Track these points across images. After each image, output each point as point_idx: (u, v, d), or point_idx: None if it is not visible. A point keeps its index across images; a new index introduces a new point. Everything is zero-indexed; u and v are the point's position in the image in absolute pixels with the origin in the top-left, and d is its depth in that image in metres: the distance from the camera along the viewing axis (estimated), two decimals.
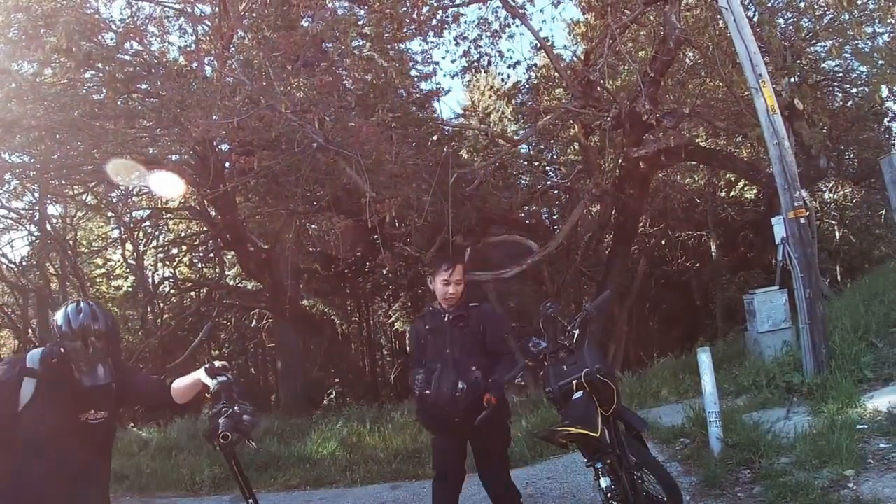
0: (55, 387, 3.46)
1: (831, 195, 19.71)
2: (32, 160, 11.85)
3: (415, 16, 11.00)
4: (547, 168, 20.39)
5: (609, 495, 4.46)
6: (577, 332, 5.00)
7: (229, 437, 3.69)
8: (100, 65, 10.26)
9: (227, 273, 21.57)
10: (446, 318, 5.32)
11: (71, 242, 19.90)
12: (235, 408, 3.75)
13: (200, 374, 3.88)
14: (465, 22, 13.53)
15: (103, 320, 3.57)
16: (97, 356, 3.49)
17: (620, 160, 13.22)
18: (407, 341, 5.48)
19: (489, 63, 13.73)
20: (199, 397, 4.08)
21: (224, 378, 3.81)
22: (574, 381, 4.62)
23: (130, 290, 22.29)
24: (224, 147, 12.90)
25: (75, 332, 3.48)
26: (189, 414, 12.41)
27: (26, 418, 3.39)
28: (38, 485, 3.40)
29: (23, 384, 3.43)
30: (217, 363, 3.93)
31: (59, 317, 3.55)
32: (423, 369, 5.30)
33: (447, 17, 12.14)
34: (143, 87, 10.79)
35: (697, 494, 5.92)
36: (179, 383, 3.97)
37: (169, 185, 13.35)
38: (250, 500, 4.07)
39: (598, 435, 4.39)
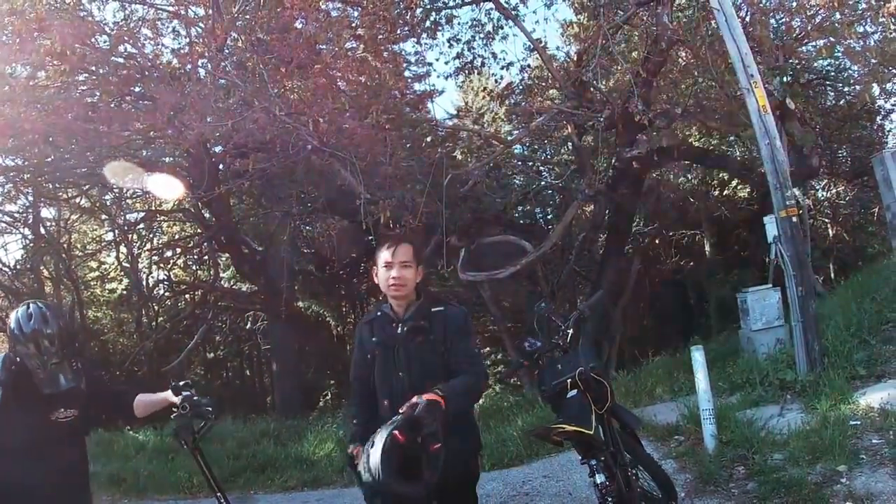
0: (20, 391, 3.47)
1: (824, 193, 19.77)
2: (26, 163, 11.89)
3: (408, 17, 11.03)
4: (540, 168, 20.44)
5: (604, 492, 4.50)
6: (570, 331, 5.03)
7: (187, 409, 3.87)
8: (93, 68, 10.26)
9: (221, 275, 21.56)
10: (399, 329, 3.98)
11: (65, 245, 19.86)
12: (195, 398, 3.94)
13: (167, 394, 3.98)
14: (459, 24, 13.56)
15: (55, 323, 3.55)
16: (51, 361, 3.48)
17: (614, 160, 13.26)
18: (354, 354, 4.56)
19: (482, 64, 13.80)
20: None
21: (187, 393, 3.92)
22: (568, 380, 4.66)
23: (125, 292, 22.28)
24: (218, 149, 12.91)
25: (27, 337, 3.47)
26: None
27: None
28: (21, 489, 3.41)
29: None
30: (181, 383, 4.03)
31: (11, 322, 3.54)
32: (361, 408, 4.13)
33: (440, 18, 12.19)
34: (137, 89, 10.79)
35: (692, 491, 5.97)
36: (143, 398, 4.05)
37: (166, 187, 13.37)
38: (219, 494, 4.16)
39: (592, 433, 4.43)
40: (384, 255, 3.99)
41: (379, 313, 4.11)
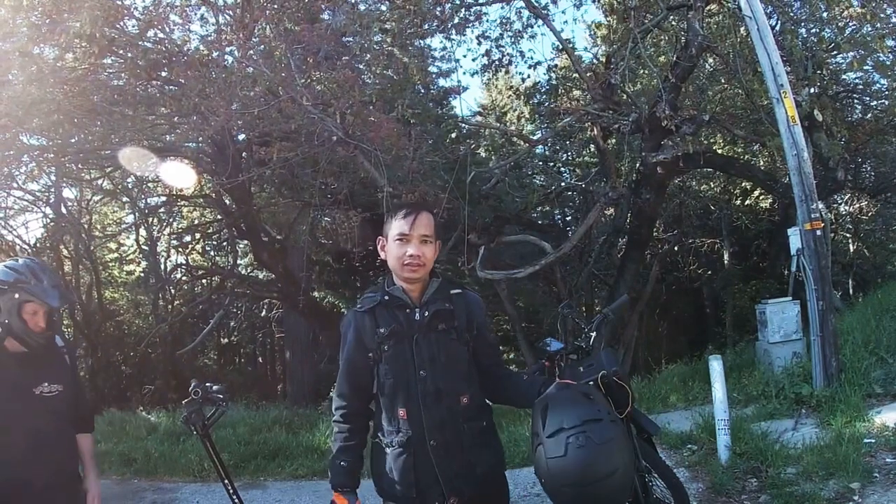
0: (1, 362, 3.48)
1: (847, 208, 19.64)
2: (50, 143, 11.92)
3: (437, 12, 11.02)
4: (561, 169, 20.41)
5: None
6: (594, 334, 5.01)
7: (200, 393, 3.92)
8: (122, 51, 10.30)
9: (239, 262, 21.66)
10: (418, 316, 3.19)
11: (85, 226, 19.97)
12: (206, 384, 4.01)
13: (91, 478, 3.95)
14: (488, 21, 13.52)
15: (38, 260, 3.70)
16: (50, 284, 3.51)
17: (638, 164, 13.20)
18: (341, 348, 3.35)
19: (510, 63, 13.72)
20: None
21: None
22: (590, 383, 4.63)
23: (142, 275, 22.42)
24: (241, 137, 12.95)
25: (22, 273, 3.49)
26: None
27: None
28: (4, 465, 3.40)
29: None
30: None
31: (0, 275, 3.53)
32: (351, 439, 3.30)
33: (470, 15, 12.15)
34: (164, 74, 10.82)
35: (704, 501, 5.97)
36: (83, 448, 3.96)
37: (180, 176, 13.45)
38: (226, 482, 4.20)
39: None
40: (399, 226, 3.19)
41: (386, 297, 3.23)
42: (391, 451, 3.19)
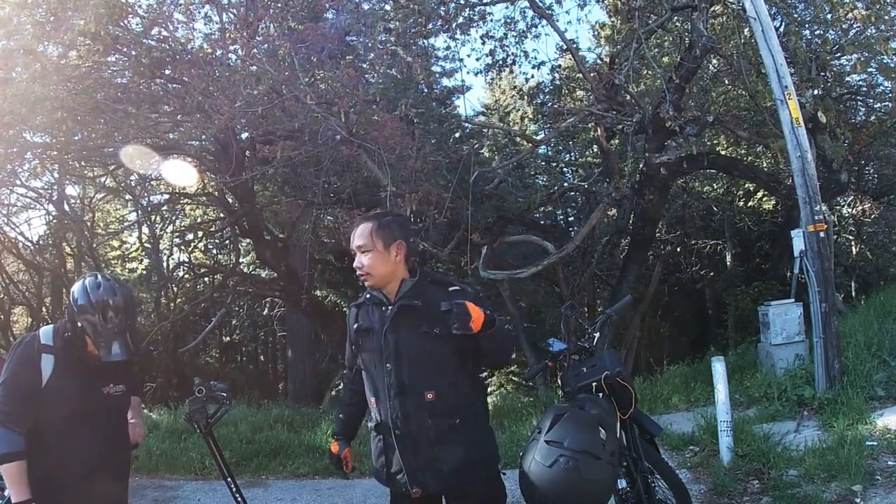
0: (73, 361, 3.50)
1: (850, 210, 19.59)
2: (53, 140, 11.92)
3: (441, 12, 11.02)
4: (564, 170, 20.40)
5: (623, 497, 4.50)
6: (596, 334, 5.00)
7: (203, 392, 4.10)
8: (125, 49, 10.30)
9: (241, 260, 21.65)
10: (388, 311, 3.36)
11: (88, 223, 19.97)
12: (210, 382, 4.18)
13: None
14: (492, 20, 13.51)
15: (121, 295, 3.54)
16: (114, 331, 3.46)
17: (641, 165, 13.18)
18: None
19: (514, 62, 13.72)
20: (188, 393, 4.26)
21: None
22: (593, 383, 4.63)
23: (145, 273, 22.42)
24: (244, 135, 12.96)
25: (93, 306, 3.44)
26: None
27: (52, 393, 3.42)
28: (74, 454, 3.46)
29: (42, 360, 3.44)
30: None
31: (76, 290, 3.51)
32: (350, 398, 3.84)
33: (474, 14, 12.15)
34: (168, 72, 10.82)
35: (706, 502, 5.97)
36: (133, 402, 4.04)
37: (181, 174, 13.45)
38: (228, 480, 4.24)
39: (616, 437, 4.41)
40: (352, 240, 3.43)
41: (368, 296, 3.51)
42: (371, 434, 3.52)
